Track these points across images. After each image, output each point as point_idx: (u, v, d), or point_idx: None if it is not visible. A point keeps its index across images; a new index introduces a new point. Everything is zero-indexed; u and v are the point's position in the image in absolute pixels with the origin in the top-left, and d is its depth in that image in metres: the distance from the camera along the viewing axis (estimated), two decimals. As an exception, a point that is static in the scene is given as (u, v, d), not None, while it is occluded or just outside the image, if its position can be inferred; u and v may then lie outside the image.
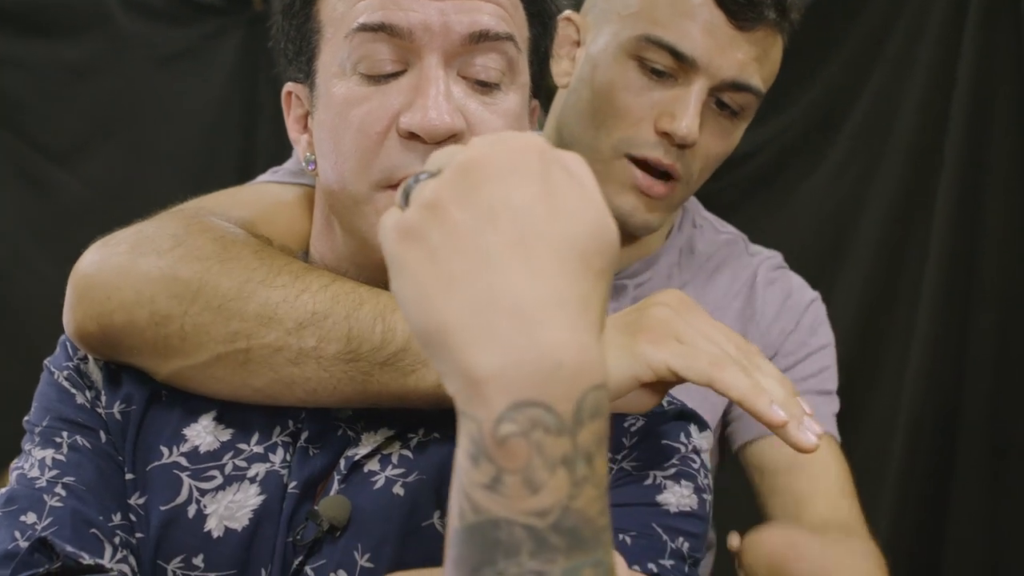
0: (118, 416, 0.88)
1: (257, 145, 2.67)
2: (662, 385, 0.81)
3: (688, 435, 0.89)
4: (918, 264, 1.92)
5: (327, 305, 0.81)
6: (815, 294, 1.37)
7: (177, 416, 0.88)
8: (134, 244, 0.87)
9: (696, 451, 0.88)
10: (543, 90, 0.98)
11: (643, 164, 1.16)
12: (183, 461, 0.86)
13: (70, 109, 2.60)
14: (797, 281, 1.37)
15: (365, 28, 0.82)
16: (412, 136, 0.82)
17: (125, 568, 0.83)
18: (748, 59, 1.13)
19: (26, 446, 0.89)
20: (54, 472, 0.85)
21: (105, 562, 0.82)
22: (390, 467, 0.84)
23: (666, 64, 1.13)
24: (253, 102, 2.67)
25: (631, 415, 0.87)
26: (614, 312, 1.16)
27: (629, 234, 1.23)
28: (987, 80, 1.85)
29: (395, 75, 0.83)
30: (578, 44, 1.22)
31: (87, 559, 0.81)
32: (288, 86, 0.94)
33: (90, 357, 0.91)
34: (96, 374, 0.90)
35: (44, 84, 2.59)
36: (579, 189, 0.58)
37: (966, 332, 1.89)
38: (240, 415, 0.87)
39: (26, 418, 0.91)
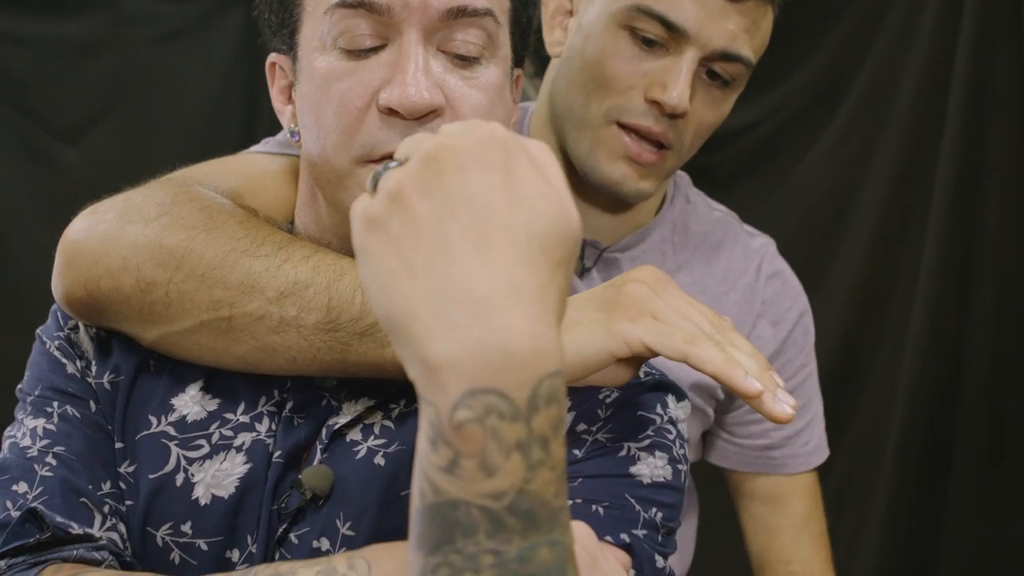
0: (107, 386, 0.90)
1: (259, 120, 2.65)
2: (637, 360, 0.82)
3: (664, 406, 0.89)
4: (918, 237, 1.93)
5: (308, 275, 0.83)
6: (805, 300, 1.38)
7: (165, 386, 0.90)
8: (122, 212, 0.89)
9: (672, 421, 0.89)
10: (527, 59, 1.00)
11: (633, 131, 1.16)
12: (171, 431, 0.88)
13: (74, 86, 2.61)
14: (795, 281, 1.38)
15: (344, 4, 0.83)
16: (391, 112, 0.82)
17: (114, 536, 0.86)
18: (738, 30, 1.14)
19: (18, 415, 0.91)
20: (45, 442, 0.87)
21: (94, 531, 0.84)
22: (372, 437, 0.86)
23: (657, 34, 1.13)
24: (254, 78, 2.65)
25: (607, 387, 0.88)
26: None
27: (620, 203, 1.24)
28: (986, 56, 1.84)
29: (375, 50, 0.84)
30: (571, 14, 1.23)
31: (76, 528, 0.83)
32: (272, 57, 0.95)
33: (81, 326, 0.92)
34: (87, 344, 0.92)
35: (48, 61, 2.59)
36: (541, 179, 0.59)
37: (967, 304, 1.90)
38: (227, 385, 0.89)
39: (19, 386, 0.93)
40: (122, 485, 0.87)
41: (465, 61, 0.85)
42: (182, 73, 2.65)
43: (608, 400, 0.88)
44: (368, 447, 0.85)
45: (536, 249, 0.57)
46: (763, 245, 1.37)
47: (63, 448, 0.87)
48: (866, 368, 1.96)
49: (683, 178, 1.37)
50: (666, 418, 0.88)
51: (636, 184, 1.18)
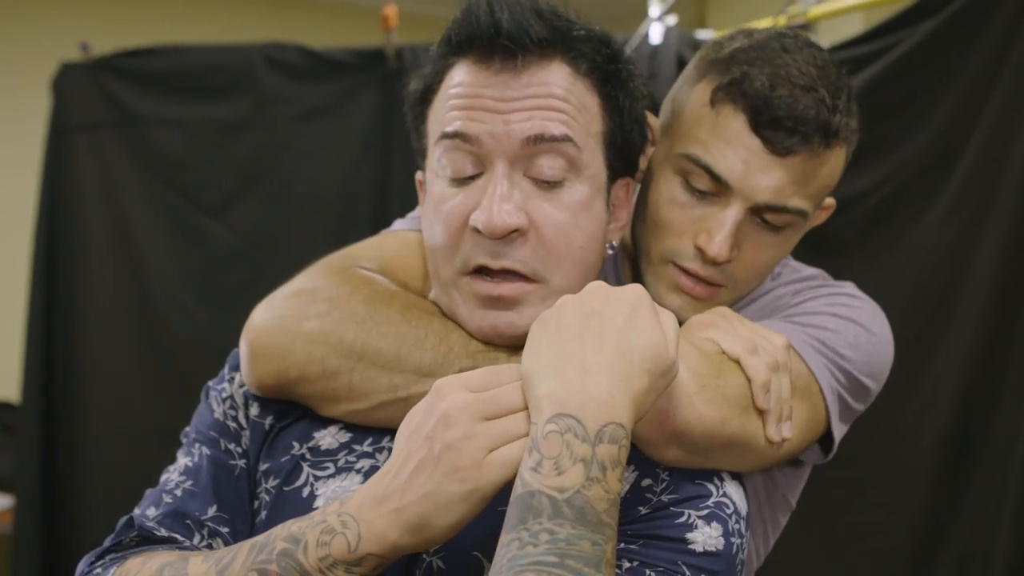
0: (266, 426, 1.08)
1: (390, 195, 2.78)
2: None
3: (721, 479, 0.98)
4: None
5: (469, 363, 1.00)
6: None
7: (315, 422, 1.06)
8: (295, 306, 1.05)
9: (727, 496, 0.97)
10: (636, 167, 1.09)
11: (684, 271, 1.19)
12: (307, 454, 1.04)
13: (221, 164, 2.76)
14: (848, 287, 1.32)
15: (446, 136, 0.99)
16: (477, 231, 0.97)
17: (207, 546, 1.03)
18: (784, 184, 1.14)
19: (178, 452, 1.11)
20: (181, 478, 1.08)
21: (190, 543, 1.02)
22: None
23: (705, 183, 1.15)
24: (386, 154, 2.77)
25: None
26: None
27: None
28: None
29: (474, 178, 0.99)
30: (653, 143, 1.25)
31: (162, 532, 1.01)
32: (418, 175, 1.12)
33: (236, 378, 1.11)
34: (239, 392, 1.11)
35: (197, 141, 2.75)
36: (656, 321, 0.86)
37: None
38: (362, 425, 1.04)
39: (185, 429, 1.14)
40: (265, 498, 1.05)
41: (548, 184, 0.99)
42: (318, 149, 2.78)
43: (666, 477, 0.98)
44: None
45: (635, 356, 0.83)
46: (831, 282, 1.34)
47: (191, 483, 1.07)
48: (983, 433, 1.92)
49: (788, 265, 1.36)
50: (721, 491, 0.97)
51: (692, 314, 1.19)
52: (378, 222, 2.95)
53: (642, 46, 2.51)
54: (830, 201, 1.27)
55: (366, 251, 1.17)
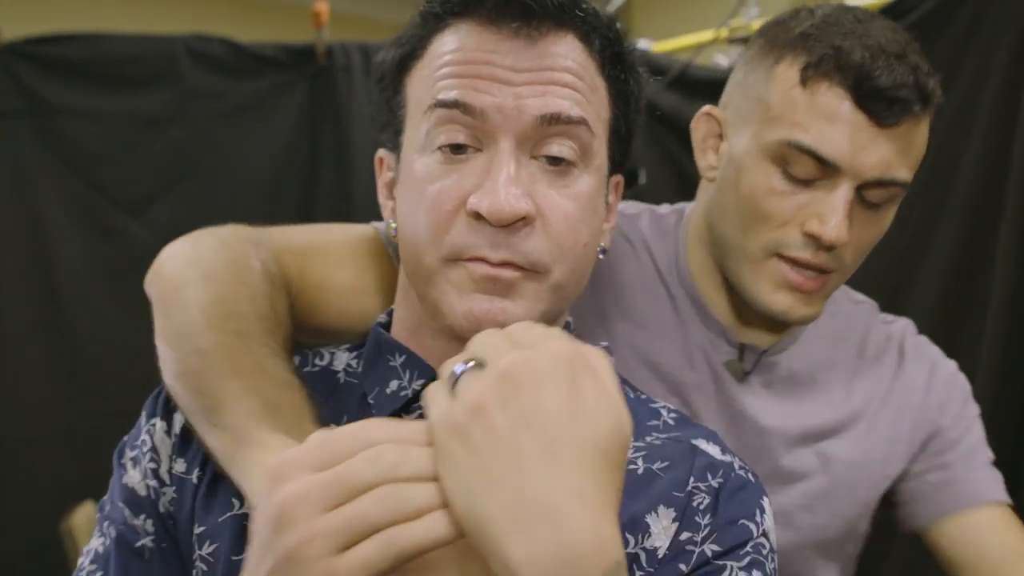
0: (194, 480, 0.92)
1: (317, 197, 2.71)
2: None
3: (763, 512, 0.89)
4: (979, 317, 1.89)
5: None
6: (954, 364, 1.36)
7: None
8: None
9: (766, 533, 0.88)
10: (628, 166, 1.02)
11: (793, 261, 1.15)
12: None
13: (140, 160, 2.66)
14: (935, 350, 1.37)
15: (442, 104, 0.86)
16: (479, 216, 0.84)
17: None
18: (891, 156, 1.11)
19: (95, 529, 0.96)
20: (92, 566, 0.93)
21: None
22: None
23: (809, 168, 1.11)
24: (315, 154, 2.71)
25: (696, 482, 0.88)
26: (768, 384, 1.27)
27: (779, 323, 1.24)
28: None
29: (470, 154, 0.86)
30: (721, 138, 1.22)
31: None
32: (380, 152, 0.99)
33: (158, 425, 0.96)
34: (163, 443, 0.95)
35: (115, 135, 2.65)
36: (601, 390, 0.69)
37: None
38: None
39: (102, 499, 0.98)
40: (203, 567, 0.88)
41: (558, 168, 0.87)
42: (243, 148, 2.70)
43: (703, 505, 0.88)
44: None
45: (598, 456, 0.66)
46: (904, 326, 1.38)
47: (101, 573, 0.92)
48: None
49: None
50: (762, 528, 0.88)
51: (803, 311, 1.18)
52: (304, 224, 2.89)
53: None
54: None
55: (292, 237, 1.09)
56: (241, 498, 0.87)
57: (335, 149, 2.68)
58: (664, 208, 1.37)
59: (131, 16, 4.29)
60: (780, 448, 1.27)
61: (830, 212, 1.11)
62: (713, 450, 0.93)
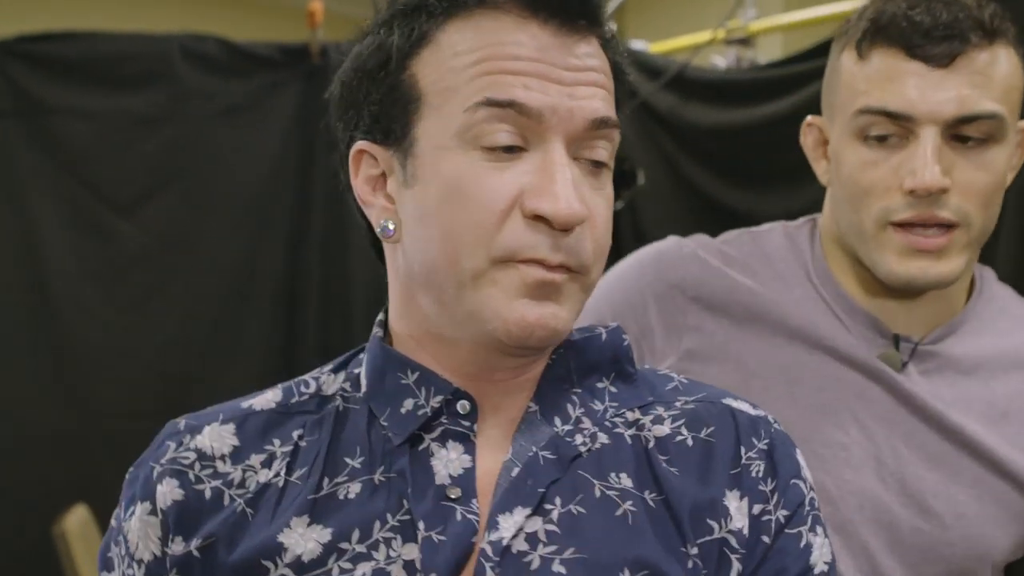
0: (197, 553, 0.85)
1: (311, 197, 2.72)
2: None
3: (802, 465, 0.91)
4: None
5: None
6: None
7: (266, 526, 0.85)
8: None
9: (812, 487, 0.91)
10: (627, 167, 1.00)
11: (907, 225, 1.16)
12: (289, 573, 0.82)
13: (133, 159, 2.66)
14: None
15: (493, 103, 0.82)
16: (537, 218, 0.82)
17: None
18: (964, 90, 1.13)
19: None
20: None
21: None
22: (540, 546, 0.82)
23: (885, 127, 1.15)
24: (309, 153, 2.71)
25: (746, 451, 0.90)
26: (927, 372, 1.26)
27: (931, 293, 1.23)
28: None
29: (516, 153, 0.83)
30: (827, 143, 1.26)
31: None
32: (361, 144, 0.89)
33: (158, 498, 0.87)
34: (154, 523, 0.86)
35: (108, 135, 2.64)
36: None
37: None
38: (335, 513, 0.84)
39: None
40: None
41: (596, 170, 0.86)
42: (237, 147, 2.70)
43: (760, 471, 0.89)
44: (540, 556, 0.82)
45: None
46: None
47: None
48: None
49: (988, 271, 1.35)
50: (809, 482, 0.91)
51: (937, 270, 1.17)
52: (297, 225, 2.90)
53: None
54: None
55: None
56: (270, 555, 0.83)
57: (329, 150, 2.67)
58: (799, 220, 1.39)
59: (125, 15, 4.28)
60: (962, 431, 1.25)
61: (920, 163, 1.13)
62: (745, 407, 0.94)
